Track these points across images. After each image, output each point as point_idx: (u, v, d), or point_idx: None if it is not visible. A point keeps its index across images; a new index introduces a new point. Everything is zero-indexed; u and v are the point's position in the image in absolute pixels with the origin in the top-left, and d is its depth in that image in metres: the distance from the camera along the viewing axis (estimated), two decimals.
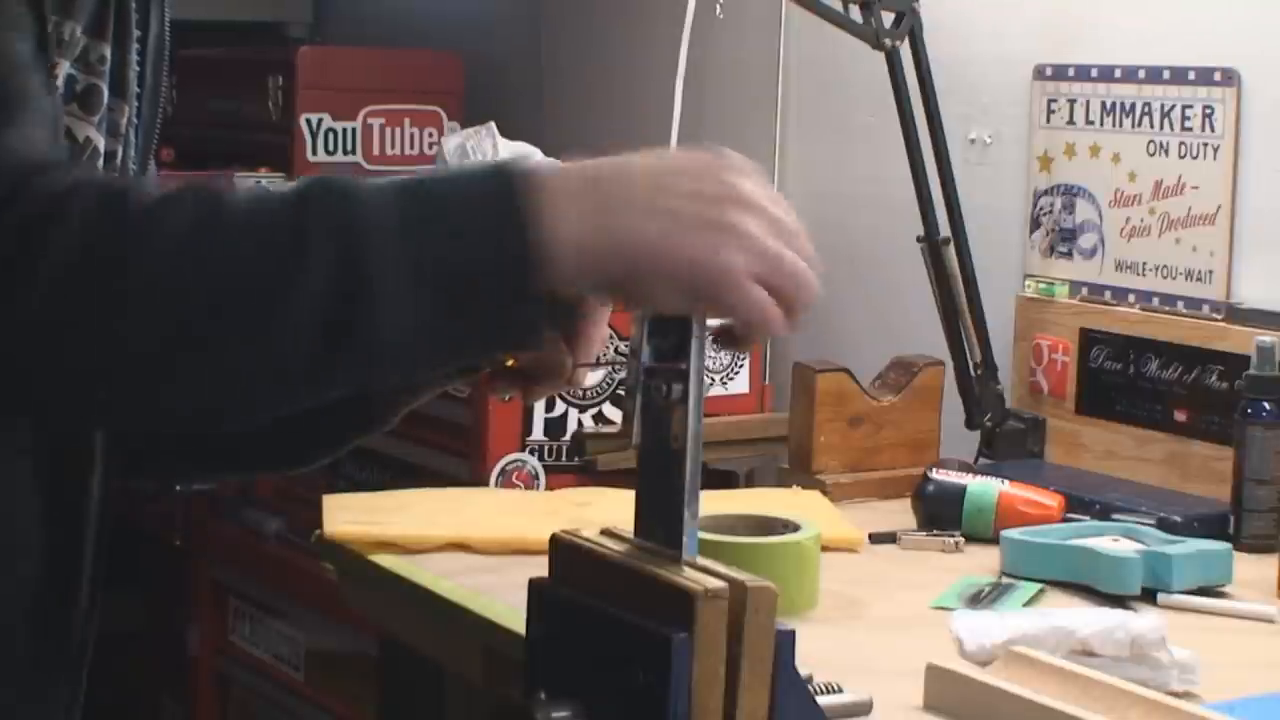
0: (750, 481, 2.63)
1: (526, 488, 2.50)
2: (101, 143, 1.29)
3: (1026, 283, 2.44)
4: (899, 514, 2.12)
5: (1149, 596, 1.80)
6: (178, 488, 3.09)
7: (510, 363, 1.25)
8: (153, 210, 1.06)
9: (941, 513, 2.05)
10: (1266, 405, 2.01)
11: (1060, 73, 2.41)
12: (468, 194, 1.10)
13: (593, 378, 2.49)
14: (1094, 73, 2.36)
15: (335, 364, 1.07)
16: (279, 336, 1.05)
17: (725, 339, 1.17)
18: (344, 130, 3.33)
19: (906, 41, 2.33)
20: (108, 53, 1.28)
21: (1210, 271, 2.24)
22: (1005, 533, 1.93)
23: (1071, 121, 2.39)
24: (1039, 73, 2.43)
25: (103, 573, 1.35)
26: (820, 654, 1.49)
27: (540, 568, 1.21)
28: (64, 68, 1.24)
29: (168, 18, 1.38)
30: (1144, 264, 2.31)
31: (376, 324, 1.06)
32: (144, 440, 1.36)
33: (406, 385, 1.32)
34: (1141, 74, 2.31)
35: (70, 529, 1.30)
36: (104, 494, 1.32)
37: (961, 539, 2.01)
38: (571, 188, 1.10)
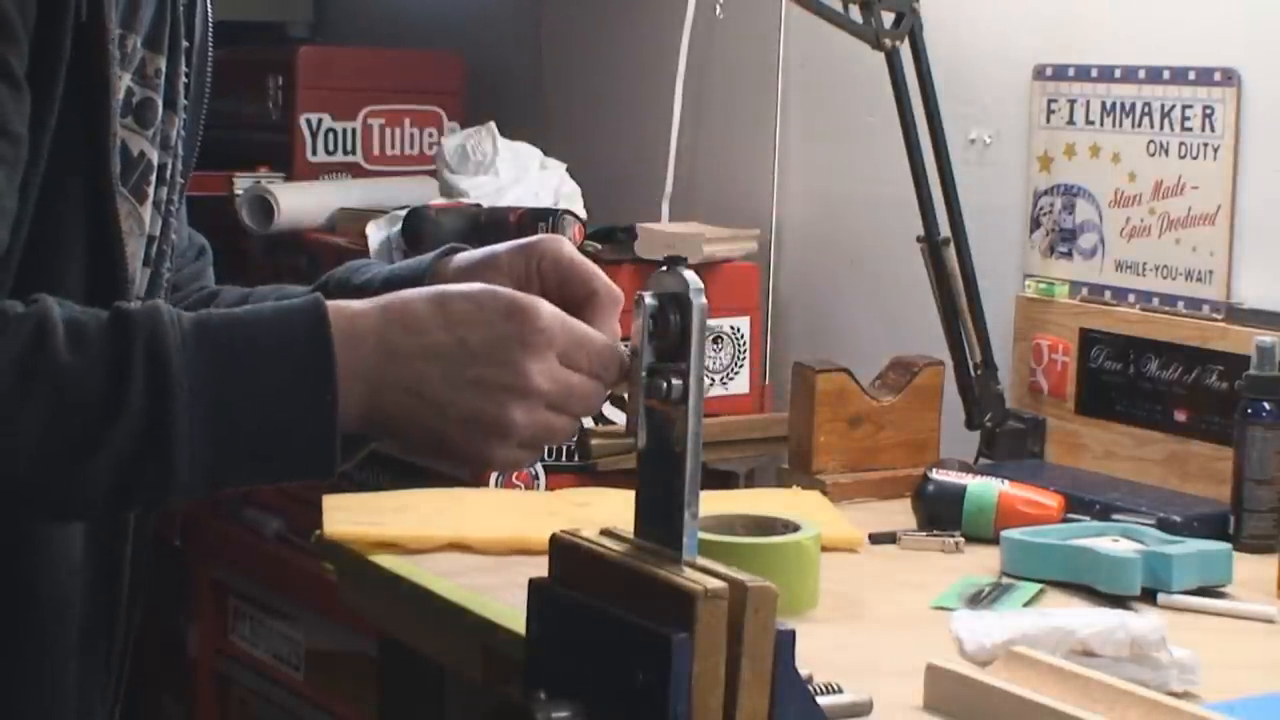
0: (750, 481, 2.63)
1: (526, 488, 2.50)
2: (155, 156, 1.29)
3: (1026, 283, 2.44)
4: (899, 514, 2.12)
5: (1149, 597, 1.80)
6: None
7: None
8: None
9: (941, 513, 2.05)
10: (1266, 405, 2.01)
11: (1060, 73, 2.41)
12: (274, 351, 1.15)
13: None
14: (1094, 73, 2.36)
15: (130, 503, 1.16)
16: (83, 491, 1.12)
17: None
18: (344, 130, 3.33)
19: (906, 41, 2.33)
20: (163, 65, 1.28)
21: (1210, 271, 2.24)
22: (1005, 533, 1.93)
23: (1071, 121, 2.39)
24: (1039, 73, 2.43)
25: (140, 586, 1.36)
26: (820, 654, 1.49)
27: (540, 568, 1.21)
28: (125, 80, 1.24)
29: (210, 24, 1.38)
30: (1144, 264, 2.31)
31: (168, 487, 1.13)
32: None
33: None
34: (1141, 74, 2.31)
35: (112, 553, 1.31)
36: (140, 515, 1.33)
37: (961, 539, 2.01)
38: (364, 366, 1.16)
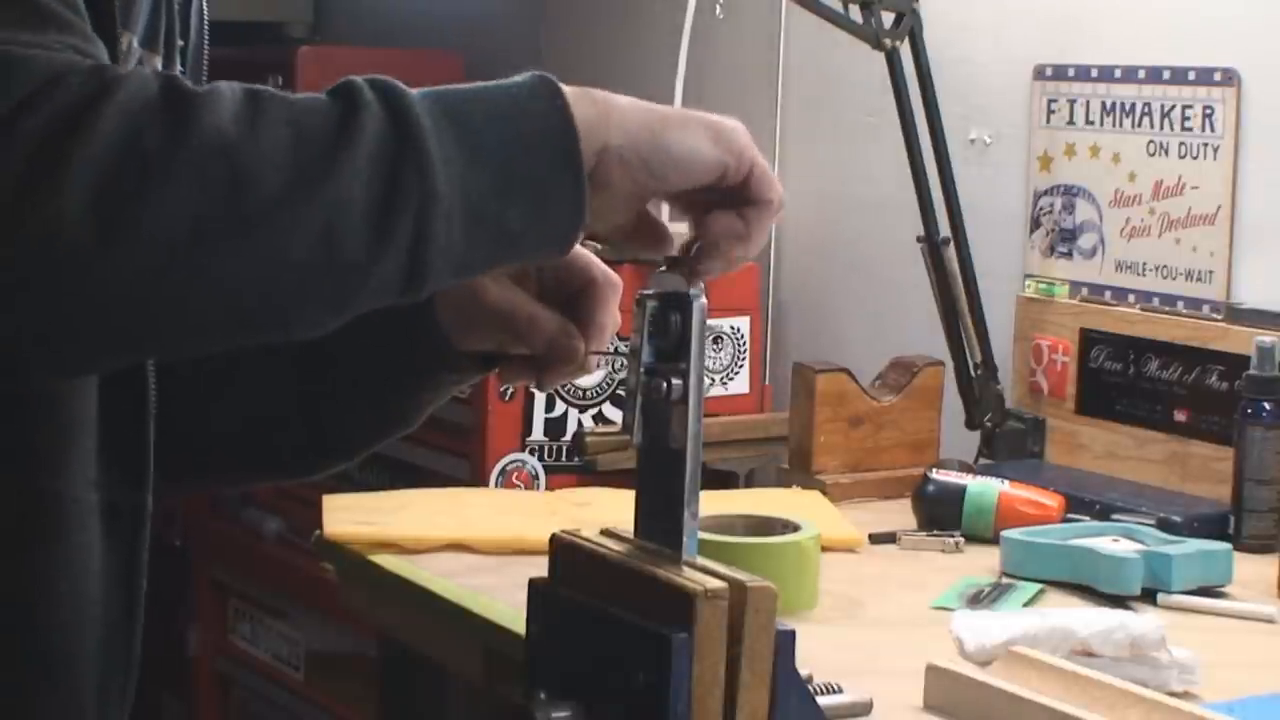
0: (750, 481, 2.63)
1: (526, 488, 2.50)
2: None
3: (1026, 283, 2.44)
4: (899, 514, 2.12)
5: (1149, 596, 1.80)
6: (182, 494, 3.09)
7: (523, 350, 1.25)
8: (203, 92, 1.04)
9: (941, 513, 2.05)
10: (1266, 405, 2.01)
11: (1060, 73, 2.41)
12: (496, 86, 1.11)
13: (596, 374, 2.50)
14: (1094, 73, 2.36)
15: (394, 226, 1.04)
16: (341, 190, 1.02)
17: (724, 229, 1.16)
18: None
19: (906, 41, 2.33)
20: (159, 64, 1.27)
21: (1210, 271, 2.24)
22: (1005, 533, 1.93)
23: (1071, 121, 2.39)
24: (1039, 73, 2.43)
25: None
26: (820, 654, 1.50)
27: (540, 568, 1.21)
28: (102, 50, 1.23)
29: (205, 22, 1.37)
30: (1144, 264, 2.31)
31: (428, 201, 1.04)
32: (185, 441, 1.35)
33: (425, 380, 1.31)
34: (1141, 74, 2.31)
35: (129, 554, 1.29)
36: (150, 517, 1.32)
37: (961, 539, 2.01)
38: (573, 89, 1.12)
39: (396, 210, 1.03)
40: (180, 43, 1.32)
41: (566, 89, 1.11)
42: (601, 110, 1.12)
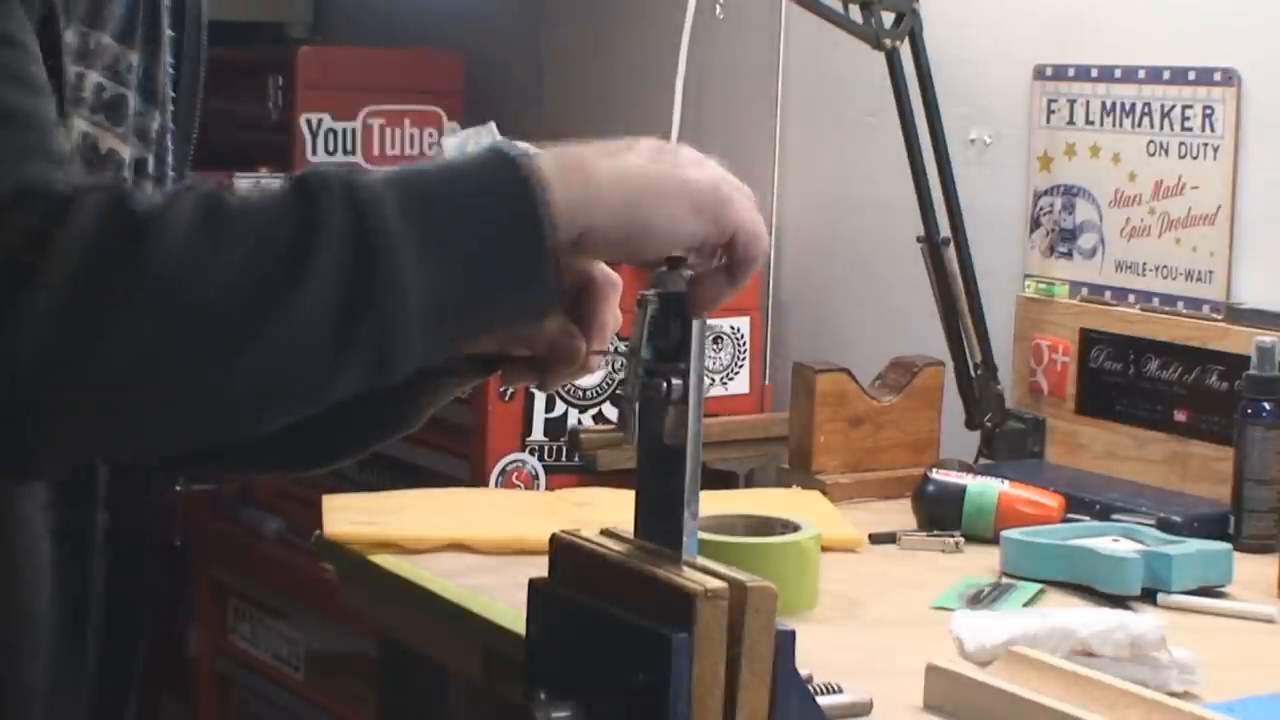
0: (750, 481, 2.63)
1: (526, 488, 2.50)
2: (128, 152, 1.27)
3: (1026, 283, 2.44)
4: (899, 514, 2.12)
5: (1149, 596, 1.80)
6: (178, 486, 3.09)
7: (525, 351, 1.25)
8: (154, 213, 1.03)
9: (941, 513, 2.05)
10: (1266, 405, 2.01)
11: (1060, 73, 2.41)
12: (464, 170, 1.10)
13: (597, 374, 2.50)
14: (1094, 73, 2.36)
15: (356, 345, 1.04)
16: (301, 319, 1.02)
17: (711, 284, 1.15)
18: (344, 130, 3.33)
19: (906, 41, 2.33)
20: (135, 60, 1.27)
21: (1210, 271, 2.24)
22: (1005, 533, 1.93)
23: (1071, 121, 2.39)
24: (1039, 73, 2.43)
25: (132, 594, 1.34)
26: (820, 654, 1.50)
27: (540, 568, 1.20)
28: (93, 77, 1.23)
29: (204, 18, 1.37)
30: (1144, 264, 2.31)
31: (392, 303, 1.04)
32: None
33: (425, 384, 1.30)
34: (1141, 74, 2.31)
35: (82, 575, 1.28)
36: (114, 513, 1.31)
37: (961, 539, 2.01)
38: (552, 159, 1.11)
39: (359, 328, 1.04)
40: (171, 34, 1.31)
41: (544, 164, 1.10)
42: (584, 191, 1.11)
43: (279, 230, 1.04)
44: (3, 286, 0.99)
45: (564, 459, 2.52)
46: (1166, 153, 2.28)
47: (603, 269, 1.25)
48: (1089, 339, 2.34)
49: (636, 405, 1.17)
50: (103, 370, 1.00)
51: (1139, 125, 2.31)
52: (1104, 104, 2.35)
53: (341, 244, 1.03)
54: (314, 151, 3.29)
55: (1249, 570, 1.89)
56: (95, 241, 1.01)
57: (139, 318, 1.00)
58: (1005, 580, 1.87)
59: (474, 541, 1.94)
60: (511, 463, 2.51)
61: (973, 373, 2.36)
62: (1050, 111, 2.42)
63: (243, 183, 3.15)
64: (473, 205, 1.08)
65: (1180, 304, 2.26)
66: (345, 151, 3.32)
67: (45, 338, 0.99)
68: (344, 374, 1.05)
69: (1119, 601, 1.78)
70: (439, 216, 1.07)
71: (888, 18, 2.33)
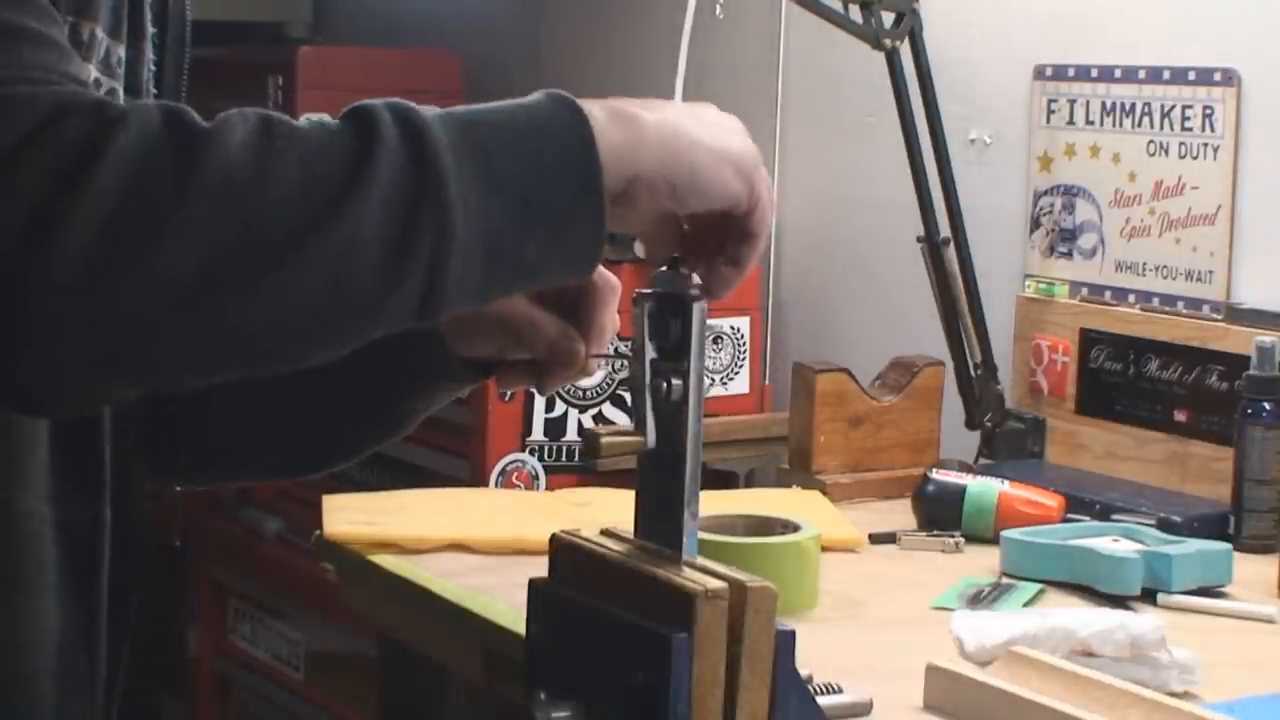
0: (750, 481, 2.63)
1: (526, 488, 2.50)
2: None
3: (1026, 283, 2.44)
4: (899, 514, 2.12)
5: (1149, 596, 1.80)
6: (178, 488, 3.09)
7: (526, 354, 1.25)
8: (214, 127, 1.02)
9: (941, 513, 2.05)
10: (1266, 405, 2.01)
11: (1060, 73, 2.41)
12: (518, 109, 1.10)
13: (596, 375, 2.50)
14: (1094, 73, 2.36)
15: (407, 269, 1.03)
16: (354, 233, 1.01)
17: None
18: None
19: (906, 41, 2.33)
20: (123, 53, 1.27)
21: (1210, 271, 2.24)
22: (1005, 533, 1.93)
23: (1071, 121, 2.39)
24: (1039, 73, 2.43)
25: (132, 605, 1.33)
26: (820, 654, 1.49)
27: (540, 568, 1.20)
28: (90, 70, 1.23)
29: (189, 16, 1.36)
30: (1144, 264, 2.31)
31: (446, 229, 1.03)
32: (165, 439, 1.34)
33: (421, 387, 1.30)
34: (1141, 74, 2.31)
35: (88, 569, 1.27)
36: (118, 521, 1.30)
37: (961, 539, 2.01)
38: (600, 108, 1.12)
39: (411, 252, 1.03)
40: (154, 30, 1.30)
41: (595, 110, 1.10)
42: (633, 135, 1.11)
43: (337, 150, 1.03)
44: (63, 187, 0.97)
45: (564, 459, 2.52)
46: (1166, 153, 2.28)
47: (602, 271, 1.25)
48: (1089, 339, 2.34)
49: (648, 406, 1.17)
50: (153, 281, 0.98)
51: (1139, 125, 2.31)
52: (1104, 104, 2.35)
53: (399, 165, 1.03)
54: None
55: (1249, 570, 1.89)
56: (151, 150, 0.99)
57: (191, 230, 0.98)
58: (1005, 580, 1.87)
59: (474, 541, 1.94)
60: (511, 463, 2.51)
61: (973, 373, 2.36)
62: (1050, 111, 2.42)
63: None
64: (526, 144, 1.07)
65: (1180, 304, 2.26)
66: None
67: (102, 241, 0.97)
68: (390, 307, 1.04)
69: (1119, 601, 1.78)
70: (494, 154, 1.06)
71: (888, 18, 2.33)
